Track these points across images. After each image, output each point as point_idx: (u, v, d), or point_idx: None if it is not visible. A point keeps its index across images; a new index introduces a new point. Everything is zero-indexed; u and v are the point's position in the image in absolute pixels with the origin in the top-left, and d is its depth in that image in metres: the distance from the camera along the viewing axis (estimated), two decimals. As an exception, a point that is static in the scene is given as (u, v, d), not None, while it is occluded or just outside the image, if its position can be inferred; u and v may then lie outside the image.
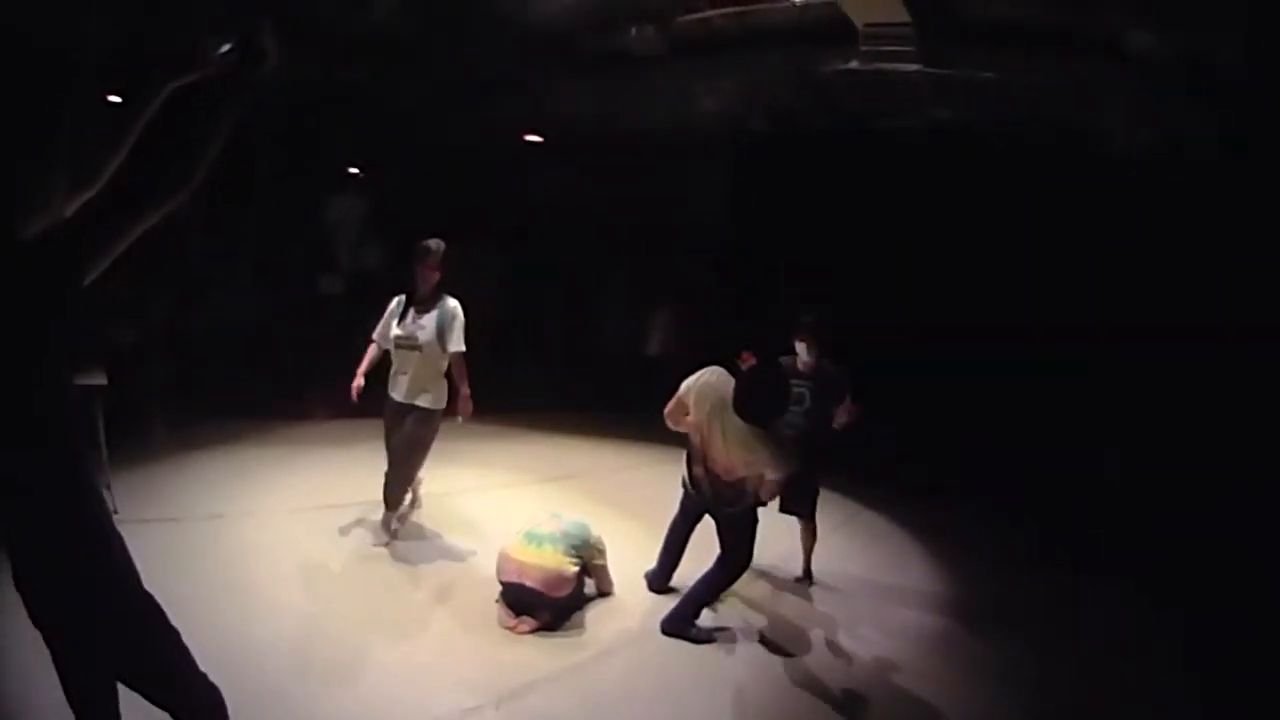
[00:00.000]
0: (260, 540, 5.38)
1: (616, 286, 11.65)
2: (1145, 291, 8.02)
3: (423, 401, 5.45)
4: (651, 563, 5.48)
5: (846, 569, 6.17)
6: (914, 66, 7.34)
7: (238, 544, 5.25)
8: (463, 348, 5.43)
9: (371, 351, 5.67)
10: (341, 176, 10.50)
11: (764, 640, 4.98)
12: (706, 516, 5.05)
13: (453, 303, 5.47)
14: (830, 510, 7.18)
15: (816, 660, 4.85)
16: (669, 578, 5.36)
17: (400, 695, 3.91)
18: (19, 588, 2.30)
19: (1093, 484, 7.57)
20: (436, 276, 5.44)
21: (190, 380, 7.56)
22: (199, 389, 7.50)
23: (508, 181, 10.55)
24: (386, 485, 5.58)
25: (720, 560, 4.91)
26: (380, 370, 5.60)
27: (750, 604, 5.43)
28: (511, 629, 4.66)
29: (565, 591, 4.78)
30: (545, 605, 4.72)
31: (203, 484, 6.09)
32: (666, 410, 4.85)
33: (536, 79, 8.87)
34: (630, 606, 5.19)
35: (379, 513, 5.65)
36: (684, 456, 5.00)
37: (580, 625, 4.87)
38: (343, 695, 3.84)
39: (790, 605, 5.54)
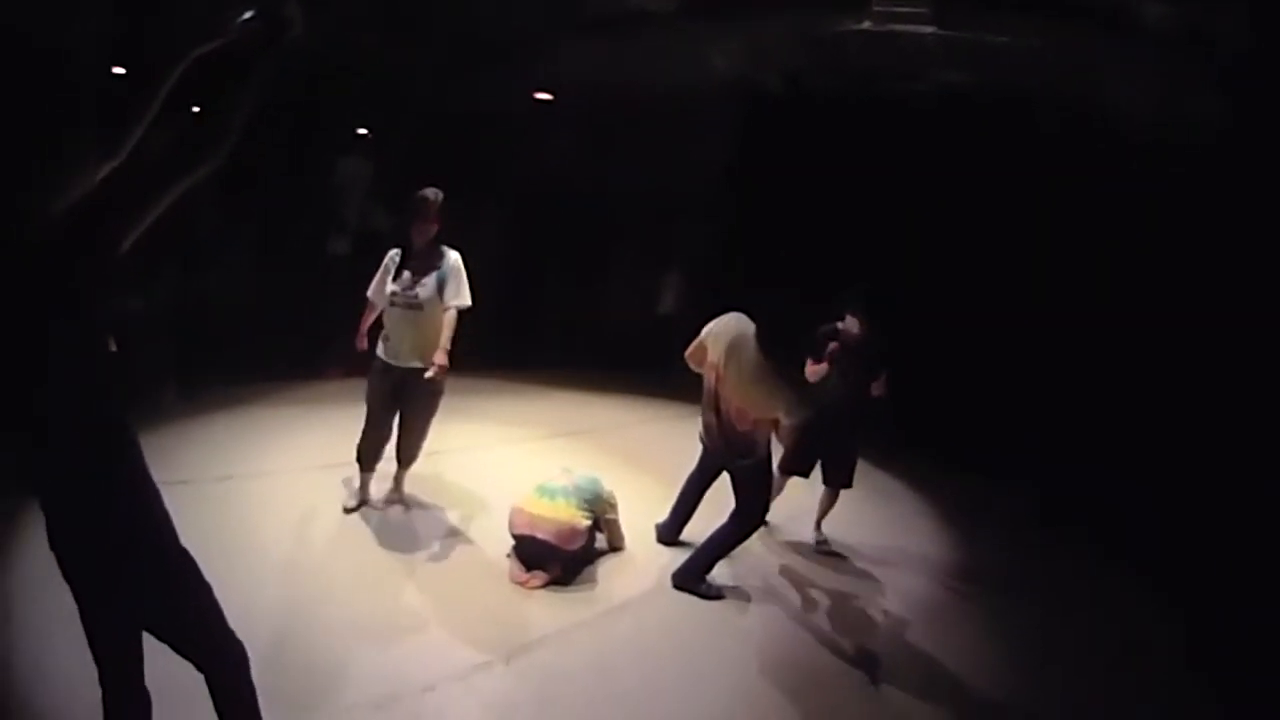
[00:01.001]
0: (271, 500, 5.44)
1: (624, 248, 11.60)
2: (1147, 270, 7.97)
3: (419, 363, 5.11)
4: (663, 516, 5.55)
5: (856, 528, 6.21)
6: (928, 29, 7.25)
7: (248, 504, 5.30)
8: (468, 301, 5.13)
9: (369, 307, 5.36)
10: (349, 138, 10.43)
11: (774, 598, 5.06)
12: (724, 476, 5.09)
13: (453, 255, 5.17)
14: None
15: (826, 619, 4.94)
16: (679, 531, 5.44)
17: (411, 651, 4.00)
18: (53, 545, 2.34)
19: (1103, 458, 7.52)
20: (434, 229, 5.11)
21: (198, 343, 7.57)
22: (206, 351, 7.51)
23: (515, 143, 10.48)
24: (362, 444, 5.32)
25: (734, 515, 4.94)
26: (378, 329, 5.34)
27: (761, 561, 5.48)
28: (522, 584, 4.74)
29: (577, 545, 4.84)
30: (557, 558, 4.79)
31: (212, 446, 6.12)
32: (688, 352, 4.96)
33: (544, 39, 8.79)
34: (641, 562, 5.27)
35: (391, 469, 5.52)
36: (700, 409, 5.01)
37: (591, 580, 4.96)
38: (354, 652, 3.92)
39: (800, 564, 5.59)
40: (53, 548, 2.35)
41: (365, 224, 10.26)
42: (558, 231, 11.21)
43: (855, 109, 8.97)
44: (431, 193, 5.07)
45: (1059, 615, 5.30)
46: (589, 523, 4.93)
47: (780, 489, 5.54)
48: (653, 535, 5.53)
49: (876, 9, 7.26)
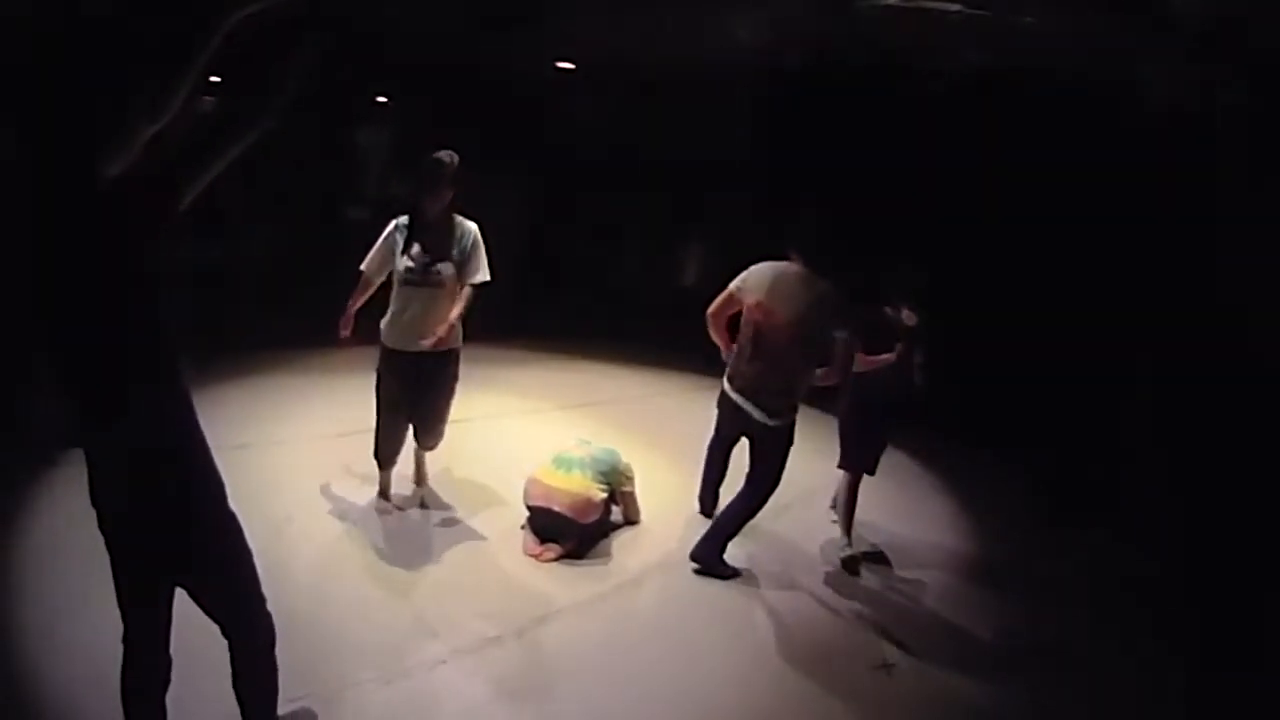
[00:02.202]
0: (287, 468, 5.54)
1: (646, 219, 11.52)
2: (1168, 258, 7.85)
3: (445, 344, 4.77)
4: (677, 492, 5.60)
5: (875, 512, 6.08)
6: (954, 6, 7.13)
7: (264, 473, 5.34)
8: (488, 276, 4.76)
9: (364, 283, 4.81)
10: (368, 105, 10.39)
11: (788, 578, 5.05)
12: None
13: (471, 226, 4.75)
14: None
15: (840, 601, 4.91)
16: (716, 500, 5.38)
17: (422, 625, 4.04)
18: (95, 498, 2.37)
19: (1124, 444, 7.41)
20: (449, 196, 4.64)
21: (212, 310, 7.59)
22: (221, 319, 7.53)
23: (538, 112, 10.40)
24: (380, 443, 4.97)
25: (748, 485, 4.89)
26: (371, 306, 4.88)
27: (776, 541, 5.44)
28: (536, 557, 4.78)
29: (593, 518, 4.86)
30: (572, 531, 4.81)
31: (228, 413, 6.14)
32: (713, 308, 4.83)
33: (567, 6, 8.69)
34: (657, 536, 5.29)
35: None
36: (721, 379, 4.94)
37: (606, 555, 5.00)
38: (365, 624, 3.96)
39: (815, 544, 5.52)
40: (94, 501, 2.38)
41: (384, 191, 10.24)
42: (579, 201, 11.15)
43: (877, 84, 8.83)
44: (446, 156, 4.60)
45: (1073, 607, 5.25)
46: (604, 495, 4.94)
47: (851, 493, 5.31)
48: (668, 510, 5.53)
49: (903, -15, 7.13)
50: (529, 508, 4.92)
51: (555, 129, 10.78)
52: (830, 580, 5.10)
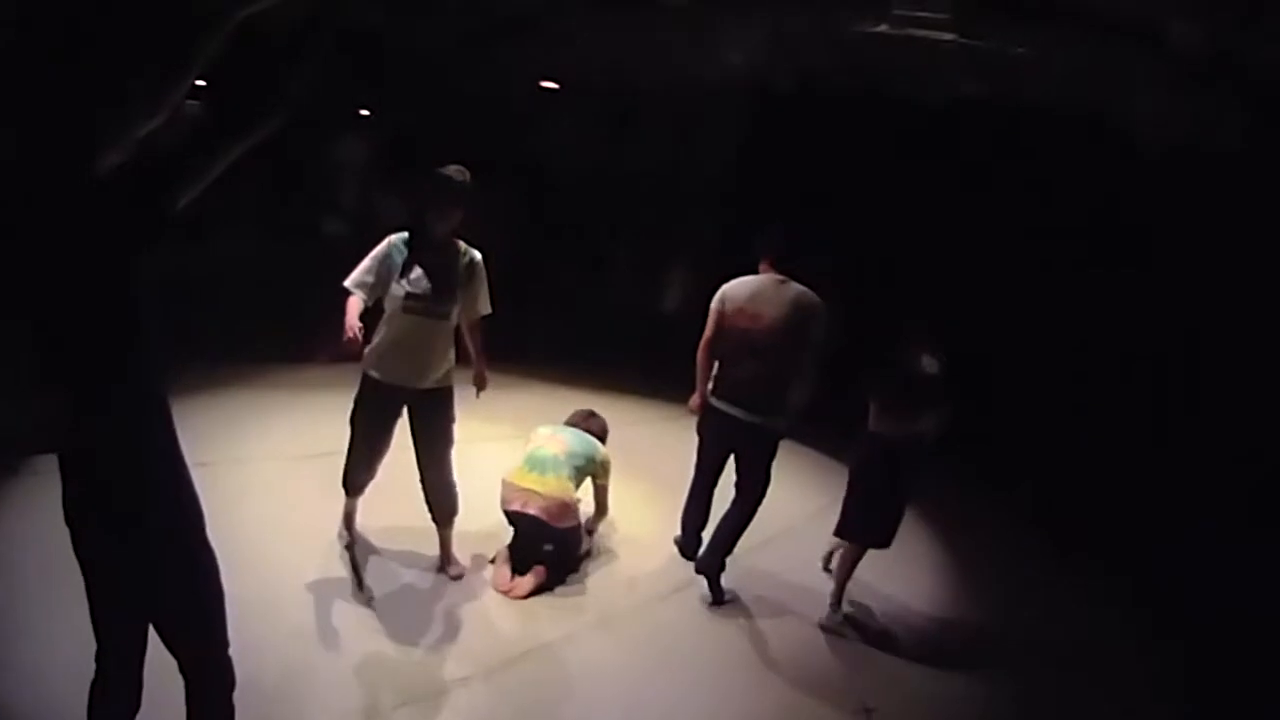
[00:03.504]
0: (248, 490, 5.20)
1: (627, 241, 11.38)
2: (1161, 289, 7.86)
3: (442, 381, 4.35)
4: (657, 521, 5.44)
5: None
6: (948, 36, 7.08)
7: (224, 493, 5.04)
8: (490, 309, 4.47)
9: (354, 304, 4.16)
10: (349, 117, 10.22)
11: (769, 613, 4.90)
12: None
13: (476, 253, 4.35)
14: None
15: (821, 645, 4.74)
16: (700, 542, 5.05)
17: (385, 663, 3.81)
18: (69, 518, 2.24)
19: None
20: (458, 217, 4.18)
21: (180, 319, 7.34)
22: (187, 330, 7.27)
23: (521, 128, 10.28)
24: (351, 470, 4.51)
25: (739, 495, 4.83)
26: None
27: (759, 578, 5.23)
28: (506, 593, 4.55)
29: (570, 522, 4.71)
30: (550, 535, 4.66)
31: (189, 427, 5.75)
32: (707, 337, 4.75)
33: (554, 22, 8.59)
34: (630, 571, 5.10)
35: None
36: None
37: (579, 591, 4.77)
38: (326, 661, 3.72)
39: (797, 578, 5.33)
40: (68, 521, 2.24)
41: (362, 206, 10.07)
42: (559, 221, 11.00)
43: (867, 112, 8.79)
44: (456, 172, 4.13)
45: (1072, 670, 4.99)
46: (578, 497, 4.84)
47: (851, 562, 4.91)
48: (647, 544, 5.35)
49: (897, 12, 7.08)
50: (505, 513, 4.73)
51: (537, 147, 10.65)
52: (810, 622, 4.91)
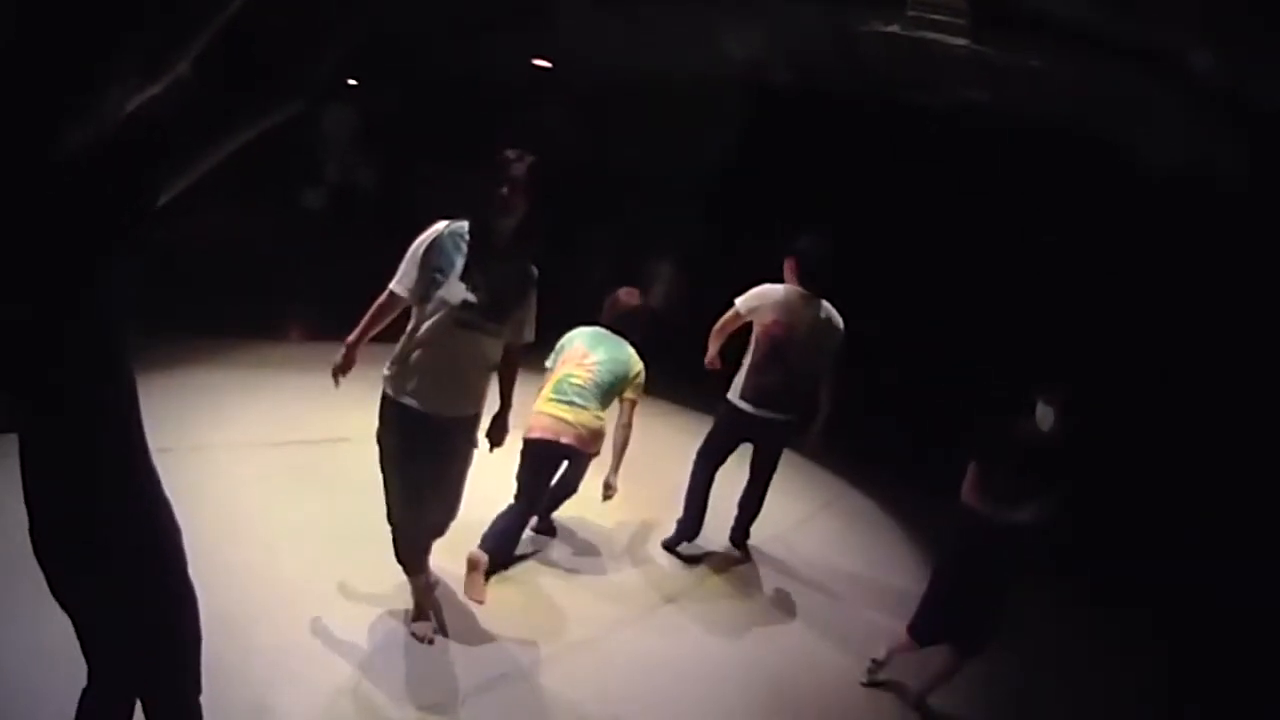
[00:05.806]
0: (209, 480, 4.75)
1: (613, 233, 11.16)
2: (1159, 318, 7.77)
3: (472, 409, 3.59)
4: (638, 522, 5.54)
5: (833, 557, 6.00)
6: (961, 41, 6.89)
7: (182, 484, 4.72)
8: (534, 336, 3.75)
9: (384, 309, 3.53)
10: (336, 85, 9.87)
11: (755, 631, 4.84)
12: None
13: (532, 265, 3.60)
14: (815, 488, 7.09)
15: (800, 660, 4.67)
16: (700, 527, 5.38)
17: (350, 687, 3.52)
18: (38, 553, 1.97)
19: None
20: (524, 208, 3.43)
21: (148, 292, 6.99)
22: (155, 301, 6.92)
23: (510, 112, 10.00)
24: (401, 537, 3.71)
25: (754, 474, 5.38)
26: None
27: (742, 598, 5.17)
28: (478, 600, 4.30)
29: (598, 446, 4.78)
30: (578, 461, 4.81)
31: (150, 409, 5.48)
32: (718, 326, 5.19)
33: (552, 7, 8.32)
34: (611, 589, 4.91)
35: (348, 453, 4.53)
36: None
37: (558, 613, 4.50)
38: (285, 680, 3.42)
39: (787, 594, 5.33)
40: (37, 553, 1.97)
41: (345, 179, 9.78)
42: (559, 220, 10.75)
43: (871, 113, 8.62)
44: (517, 155, 3.38)
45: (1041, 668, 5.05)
46: (604, 422, 4.78)
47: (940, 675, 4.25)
48: (627, 561, 5.24)
49: (911, 14, 6.87)
50: (529, 440, 4.62)
51: (527, 131, 10.36)
52: (800, 637, 4.88)
